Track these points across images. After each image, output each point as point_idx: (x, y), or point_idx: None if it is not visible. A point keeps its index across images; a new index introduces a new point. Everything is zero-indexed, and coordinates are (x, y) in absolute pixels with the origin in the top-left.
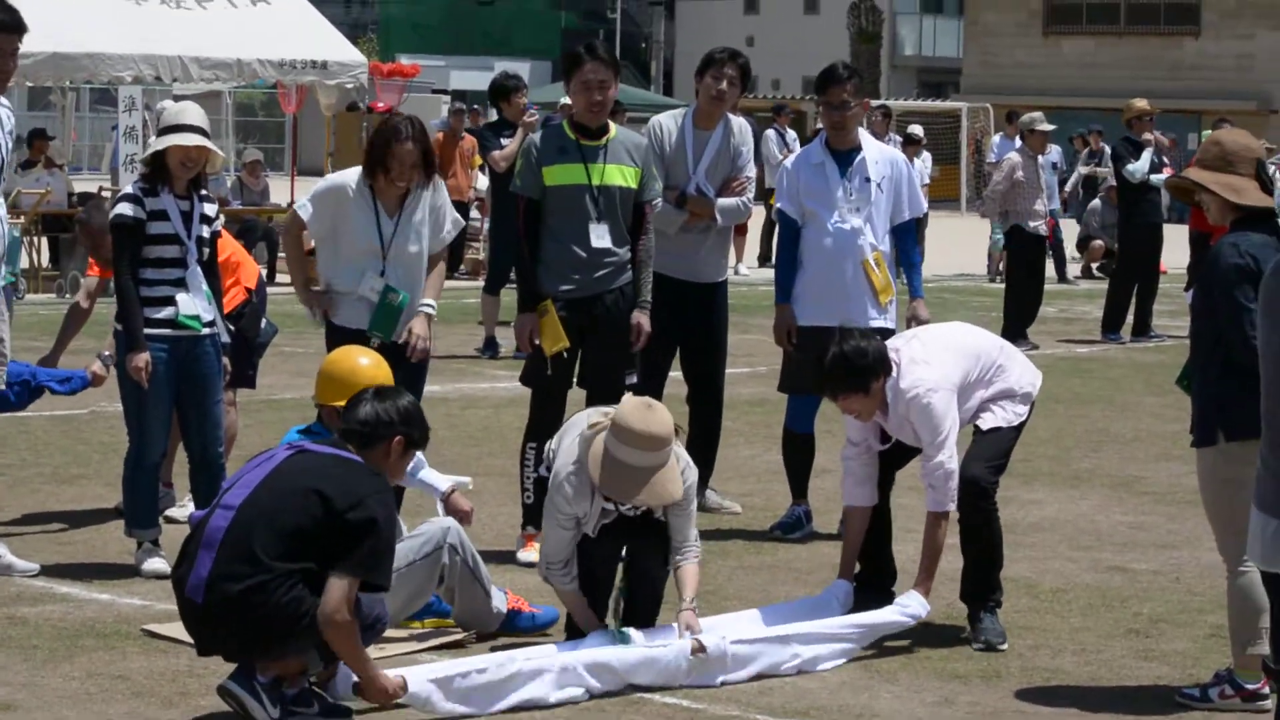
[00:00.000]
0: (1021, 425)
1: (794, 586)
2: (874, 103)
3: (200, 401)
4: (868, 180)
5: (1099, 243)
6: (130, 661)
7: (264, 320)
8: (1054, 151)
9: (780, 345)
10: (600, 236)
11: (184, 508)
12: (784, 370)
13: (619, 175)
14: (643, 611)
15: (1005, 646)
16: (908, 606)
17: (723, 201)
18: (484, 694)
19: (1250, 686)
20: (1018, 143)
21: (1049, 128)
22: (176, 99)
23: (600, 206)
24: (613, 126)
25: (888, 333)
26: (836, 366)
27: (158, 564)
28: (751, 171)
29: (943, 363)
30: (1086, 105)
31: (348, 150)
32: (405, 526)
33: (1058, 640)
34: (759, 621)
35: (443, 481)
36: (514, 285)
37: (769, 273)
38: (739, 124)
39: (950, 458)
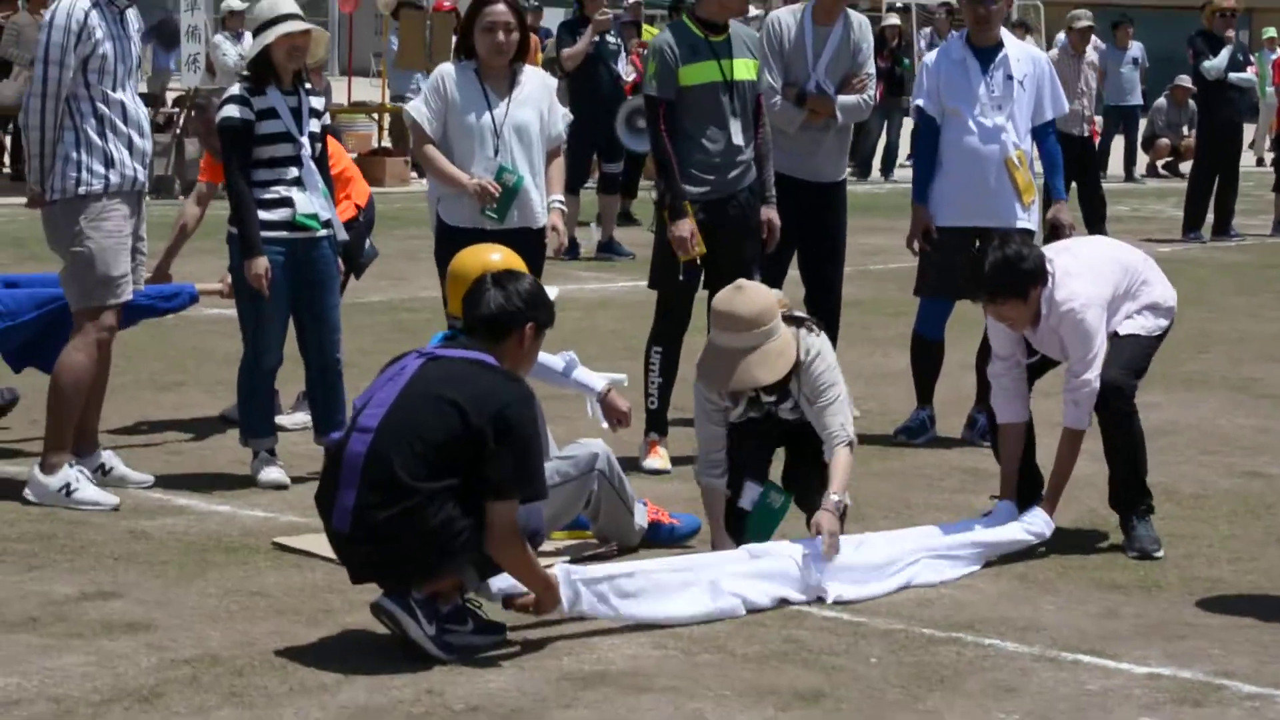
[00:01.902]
0: (1161, 338)
1: (927, 493)
2: (937, 1)
3: (318, 305)
4: (1010, 78)
5: (1164, 141)
6: (265, 577)
7: (368, 242)
8: (1135, 47)
9: (910, 248)
10: (738, 133)
11: (291, 414)
12: (920, 273)
13: (745, 69)
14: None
15: (1161, 554)
16: (1032, 525)
17: (844, 99)
18: (630, 603)
19: None
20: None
21: (1087, 24)
22: None
23: (735, 103)
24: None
25: (1030, 234)
26: (998, 270)
27: (275, 474)
28: (871, 68)
29: (1095, 277)
30: (1136, 3)
31: (411, 49)
32: (555, 443)
33: (1210, 549)
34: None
35: (598, 380)
36: (591, 187)
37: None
38: (859, 20)
39: (1096, 376)
